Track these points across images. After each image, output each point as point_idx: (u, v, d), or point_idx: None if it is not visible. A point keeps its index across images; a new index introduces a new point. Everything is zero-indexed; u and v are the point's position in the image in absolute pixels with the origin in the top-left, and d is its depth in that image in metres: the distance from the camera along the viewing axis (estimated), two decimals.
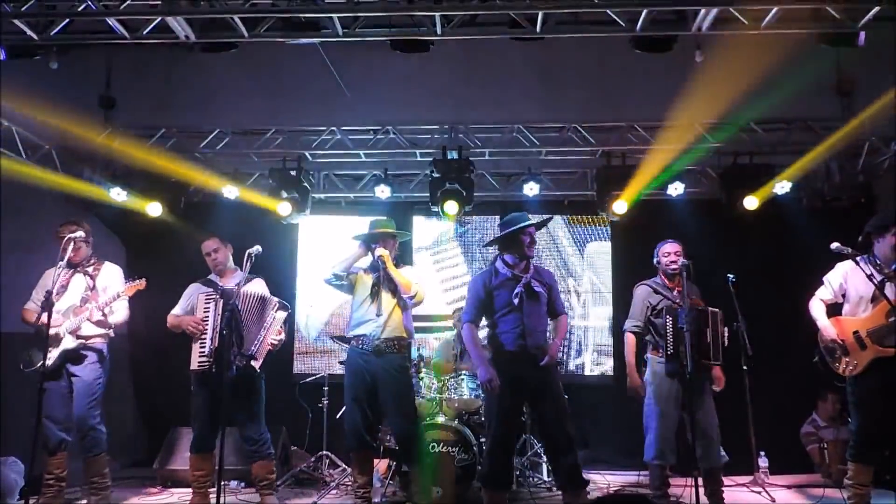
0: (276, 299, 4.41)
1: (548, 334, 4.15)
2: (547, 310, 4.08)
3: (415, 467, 4.43)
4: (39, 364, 4.22)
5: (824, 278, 4.35)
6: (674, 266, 4.40)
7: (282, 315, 4.40)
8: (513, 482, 4.25)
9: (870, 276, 4.00)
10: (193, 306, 4.41)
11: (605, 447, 6.46)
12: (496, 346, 4.00)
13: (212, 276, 4.57)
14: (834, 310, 4.33)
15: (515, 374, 3.91)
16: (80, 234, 4.38)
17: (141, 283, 4.40)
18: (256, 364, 4.29)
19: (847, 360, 4.11)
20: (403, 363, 4.39)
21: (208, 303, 4.33)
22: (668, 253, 4.47)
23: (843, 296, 4.26)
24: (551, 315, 4.13)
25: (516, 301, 3.94)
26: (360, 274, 4.42)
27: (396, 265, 4.38)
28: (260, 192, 6.72)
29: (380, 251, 4.30)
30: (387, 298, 4.32)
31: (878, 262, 4.12)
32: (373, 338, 4.27)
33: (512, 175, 6.94)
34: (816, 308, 4.31)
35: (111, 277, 4.53)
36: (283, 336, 4.45)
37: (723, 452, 4.36)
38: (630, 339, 4.50)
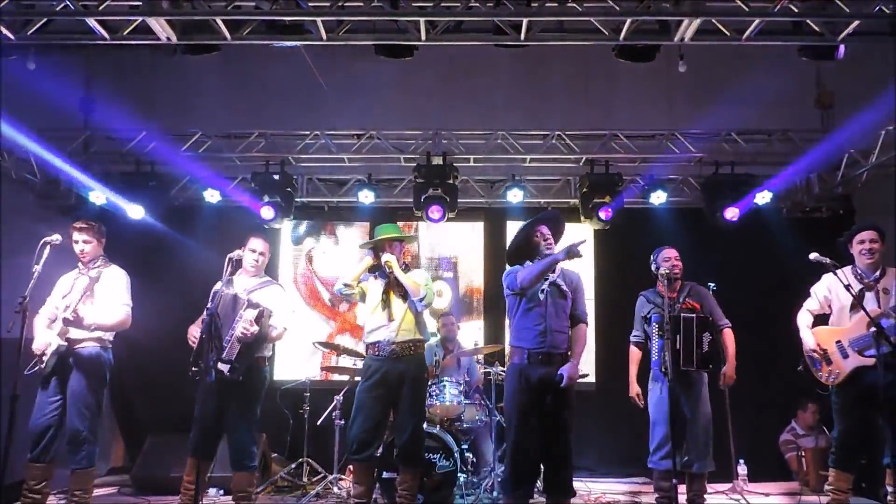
0: (244, 299, 4.26)
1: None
2: (570, 314, 4.09)
3: (419, 470, 4.40)
4: (37, 367, 4.15)
5: (811, 290, 4.42)
6: (676, 272, 4.49)
7: (251, 312, 4.23)
8: (533, 490, 4.14)
9: (848, 286, 4.06)
10: None
11: (586, 455, 6.45)
12: (518, 343, 4.03)
13: (235, 276, 4.43)
14: (823, 320, 4.40)
15: (533, 376, 3.93)
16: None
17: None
18: (225, 368, 4.15)
19: (829, 368, 4.18)
20: (422, 364, 4.38)
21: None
22: (669, 258, 4.54)
23: (830, 306, 4.33)
24: (572, 321, 4.11)
25: (542, 297, 3.98)
26: (370, 281, 4.40)
27: (405, 269, 4.36)
28: (242, 196, 6.68)
29: (386, 257, 4.28)
30: (397, 304, 4.30)
31: (860, 271, 4.18)
32: (387, 343, 4.25)
33: (496, 182, 6.95)
34: (801, 318, 4.39)
35: (109, 280, 4.39)
36: (254, 328, 4.20)
37: (710, 461, 4.38)
38: (632, 350, 4.63)
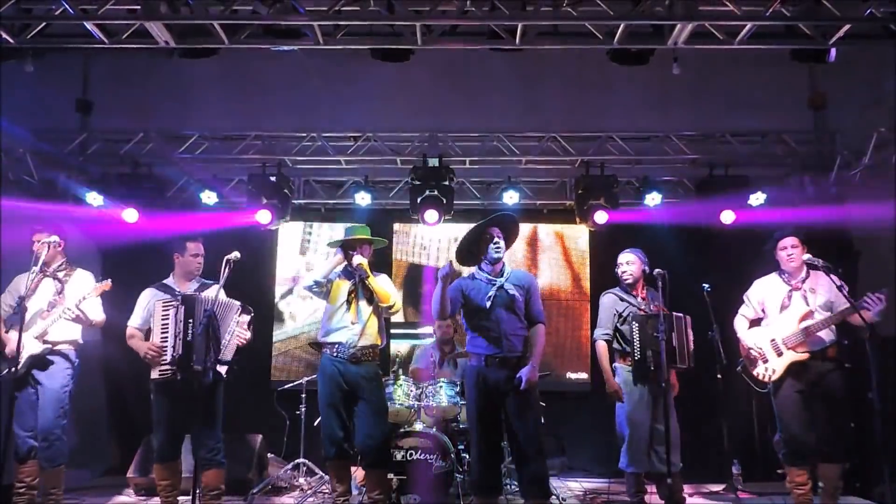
0: (237, 303, 4.32)
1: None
2: (525, 315, 4.07)
3: (388, 472, 4.42)
4: (6, 370, 4.18)
5: (745, 296, 4.61)
6: (626, 276, 4.56)
7: (245, 318, 4.32)
8: (502, 487, 4.20)
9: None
10: (151, 314, 4.28)
11: (581, 455, 6.50)
12: (473, 349, 4.05)
13: (168, 281, 4.48)
14: (759, 323, 4.57)
15: (490, 379, 3.95)
16: (56, 238, 4.34)
17: (107, 284, 4.38)
18: (223, 370, 4.23)
19: (766, 366, 4.36)
20: (378, 370, 4.40)
21: (167, 310, 4.21)
22: (621, 263, 4.60)
23: (764, 310, 4.52)
24: (528, 322, 4.09)
25: (488, 304, 3.97)
26: (337, 280, 4.40)
27: (372, 272, 4.37)
28: (239, 198, 6.70)
29: (358, 259, 4.28)
30: (363, 306, 4.31)
31: (786, 275, 4.42)
32: (349, 345, 4.25)
33: (492, 183, 6.98)
34: (737, 323, 4.60)
35: (81, 283, 4.47)
36: (249, 335, 4.32)
37: (678, 458, 4.42)
38: (602, 347, 4.60)
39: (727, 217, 6.30)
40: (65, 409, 4.35)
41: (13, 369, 4.14)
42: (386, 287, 4.34)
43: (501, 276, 4.07)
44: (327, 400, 4.27)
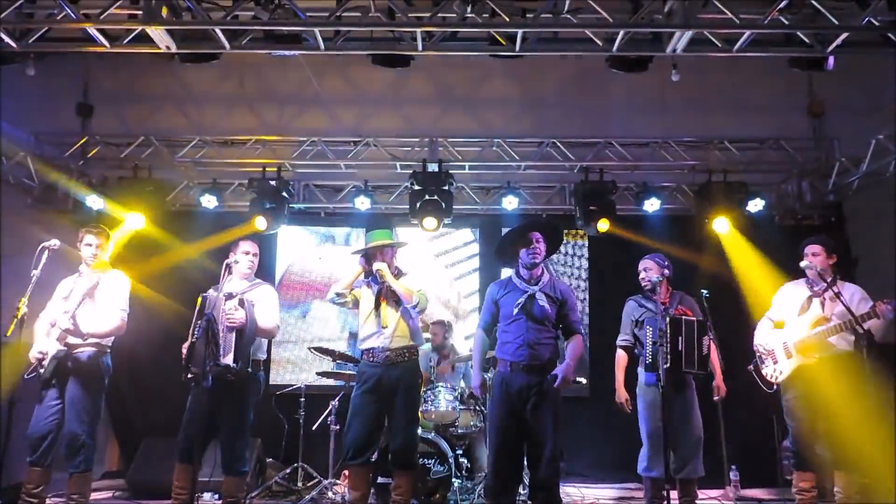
0: (224, 294, 4.22)
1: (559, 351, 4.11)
2: (556, 324, 4.07)
3: (414, 474, 4.41)
4: (34, 371, 4.16)
5: (773, 299, 4.64)
6: (644, 283, 4.58)
7: (231, 302, 4.22)
8: (516, 494, 4.19)
9: (808, 296, 4.35)
10: None
11: (579, 460, 6.49)
12: (501, 355, 4.08)
13: (225, 282, 4.38)
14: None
15: (514, 385, 3.96)
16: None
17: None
18: (229, 360, 4.13)
19: (775, 367, 4.43)
20: (416, 371, 4.38)
21: None
22: (639, 271, 4.62)
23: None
24: (565, 334, 4.11)
25: (515, 311, 4.00)
26: (363, 288, 4.40)
27: (397, 275, 4.36)
28: (239, 202, 6.72)
29: (377, 265, 4.27)
30: (390, 310, 4.30)
31: (810, 281, 4.44)
32: (381, 350, 4.25)
33: (491, 188, 7.00)
34: (760, 323, 4.66)
35: (110, 284, 4.37)
36: (240, 313, 4.19)
37: (700, 465, 4.42)
38: (619, 354, 4.62)
39: (721, 226, 6.32)
40: (90, 413, 4.24)
41: (39, 371, 4.14)
42: (409, 285, 4.31)
43: (536, 284, 4.07)
44: (361, 403, 4.23)
